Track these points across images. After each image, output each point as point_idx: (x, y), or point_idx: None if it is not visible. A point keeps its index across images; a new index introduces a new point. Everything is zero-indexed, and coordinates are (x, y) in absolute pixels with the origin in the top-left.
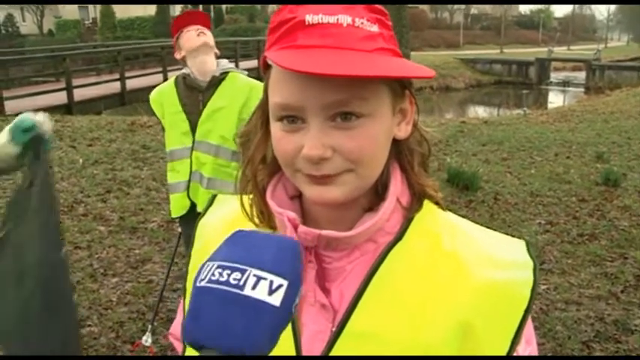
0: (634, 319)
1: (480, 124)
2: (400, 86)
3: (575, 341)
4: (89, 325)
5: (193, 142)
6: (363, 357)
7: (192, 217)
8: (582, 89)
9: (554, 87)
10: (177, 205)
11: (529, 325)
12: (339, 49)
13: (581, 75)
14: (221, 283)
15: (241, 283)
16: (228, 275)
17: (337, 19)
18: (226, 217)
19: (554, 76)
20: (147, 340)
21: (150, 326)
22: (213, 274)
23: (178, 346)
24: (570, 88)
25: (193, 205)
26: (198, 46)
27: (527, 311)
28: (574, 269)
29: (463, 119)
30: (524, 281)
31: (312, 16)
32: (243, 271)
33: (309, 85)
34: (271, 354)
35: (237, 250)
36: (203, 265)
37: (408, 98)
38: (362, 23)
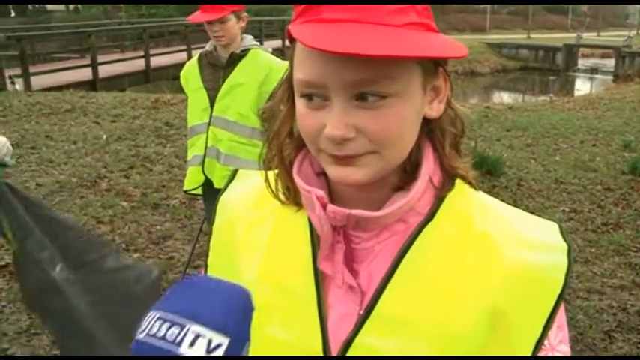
0: None
1: (504, 109)
2: (433, 63)
3: (597, 330)
4: None
5: (210, 118)
6: (370, 357)
7: (211, 194)
8: (611, 77)
9: (581, 74)
10: (191, 179)
11: (561, 310)
12: (366, 23)
13: (610, 62)
14: (158, 337)
15: (178, 339)
16: (167, 329)
17: None
18: (248, 192)
19: (582, 63)
20: None
21: None
22: (152, 327)
23: None
24: (598, 76)
25: (211, 182)
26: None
27: (560, 296)
28: (597, 258)
29: (488, 104)
30: (558, 265)
31: None
32: (182, 326)
33: (332, 62)
34: (298, 339)
35: (180, 300)
36: (147, 314)
37: (441, 75)
38: None
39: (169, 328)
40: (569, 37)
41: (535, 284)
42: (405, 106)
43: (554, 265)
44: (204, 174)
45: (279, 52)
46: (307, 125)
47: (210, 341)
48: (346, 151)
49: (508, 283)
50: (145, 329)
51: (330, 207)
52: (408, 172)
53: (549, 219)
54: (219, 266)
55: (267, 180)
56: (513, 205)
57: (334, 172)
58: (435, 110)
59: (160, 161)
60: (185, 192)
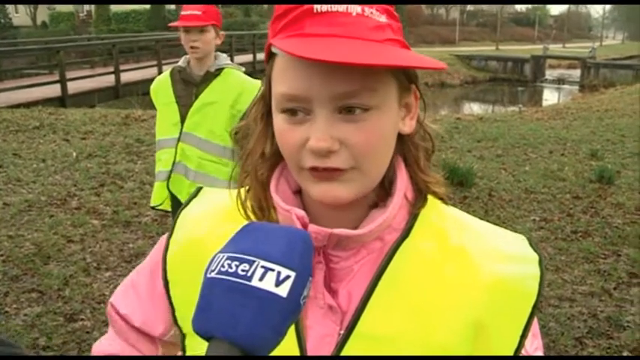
0: (626, 315)
1: (475, 120)
2: (407, 79)
3: (568, 337)
4: (82, 319)
5: (180, 133)
6: (369, 357)
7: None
8: (577, 87)
9: (549, 84)
10: (156, 194)
11: (534, 319)
12: (348, 37)
13: (576, 73)
14: (229, 274)
15: (249, 274)
16: (237, 266)
17: (347, 8)
18: (210, 211)
19: (549, 74)
20: None
21: None
22: (222, 266)
23: (113, 318)
24: (565, 86)
25: (178, 199)
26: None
27: (535, 305)
28: (567, 266)
29: (458, 116)
30: (532, 275)
31: (321, 4)
32: (251, 263)
33: (317, 74)
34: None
35: (247, 242)
36: (214, 257)
37: (413, 93)
38: (371, 13)
39: (239, 265)
40: (537, 48)
41: (512, 295)
42: (385, 119)
43: (529, 275)
44: (168, 190)
45: (250, 67)
46: (289, 141)
47: (279, 274)
48: (329, 163)
49: (487, 295)
50: (215, 268)
51: (312, 227)
52: (385, 188)
53: (521, 228)
54: (186, 283)
55: (240, 198)
56: (485, 215)
57: (315, 189)
58: (408, 126)
59: (131, 178)
60: (152, 207)
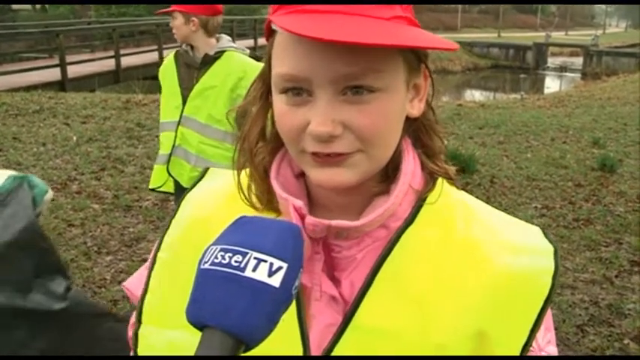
0: (627, 303)
1: (476, 107)
2: (416, 59)
3: (570, 325)
4: None
5: (181, 117)
6: (362, 357)
7: (180, 194)
8: (579, 75)
9: (551, 72)
10: (155, 177)
11: (548, 313)
12: (352, 15)
13: (579, 60)
14: (223, 265)
15: (242, 265)
16: (230, 258)
17: None
18: (217, 191)
19: (552, 61)
20: None
21: None
22: (215, 257)
23: (132, 296)
24: (567, 74)
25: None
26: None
27: (547, 300)
28: (569, 254)
29: (460, 102)
30: (545, 268)
31: None
32: (244, 254)
33: (318, 54)
34: (279, 350)
35: (240, 234)
36: (207, 249)
37: (423, 73)
38: None
39: (232, 257)
40: (539, 35)
41: (522, 290)
42: (391, 102)
43: (542, 268)
44: (168, 172)
45: (252, 51)
46: (288, 123)
47: (271, 265)
48: (332, 148)
49: (493, 290)
50: (208, 260)
51: (309, 219)
52: (389, 174)
53: (522, 216)
54: (171, 264)
55: (239, 185)
56: (487, 202)
57: (318, 174)
58: (416, 109)
59: (131, 162)
60: (151, 190)
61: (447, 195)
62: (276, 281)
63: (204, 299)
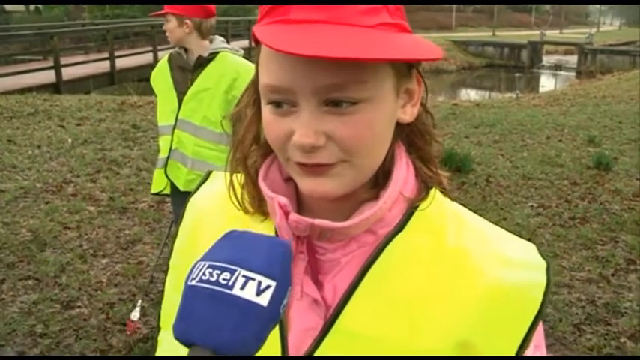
0: (624, 301)
1: (472, 106)
2: (407, 65)
3: (566, 323)
4: (79, 307)
5: (176, 120)
6: (353, 357)
7: (178, 196)
8: (574, 73)
9: (546, 70)
10: (155, 181)
11: (539, 330)
12: (336, 24)
13: (573, 59)
14: (211, 282)
15: (230, 283)
16: (218, 275)
17: None
18: (217, 194)
19: (547, 60)
20: (135, 315)
21: (139, 301)
22: (203, 274)
23: None
24: (562, 72)
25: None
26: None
27: (537, 316)
28: (565, 252)
29: (455, 101)
30: (535, 283)
31: None
32: (232, 272)
33: (301, 66)
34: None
35: (228, 250)
36: (195, 265)
37: (415, 77)
38: None
39: (220, 274)
40: (534, 34)
41: (511, 305)
42: (377, 112)
43: (533, 283)
44: (166, 175)
45: (247, 52)
46: (274, 133)
47: (260, 283)
48: (316, 159)
49: (482, 303)
50: (195, 276)
51: (293, 216)
52: (380, 181)
53: (518, 215)
54: (181, 269)
55: (232, 189)
56: (482, 202)
57: (304, 183)
58: (409, 114)
59: (127, 164)
60: (154, 194)
61: (439, 204)
62: (264, 300)
63: (191, 317)
